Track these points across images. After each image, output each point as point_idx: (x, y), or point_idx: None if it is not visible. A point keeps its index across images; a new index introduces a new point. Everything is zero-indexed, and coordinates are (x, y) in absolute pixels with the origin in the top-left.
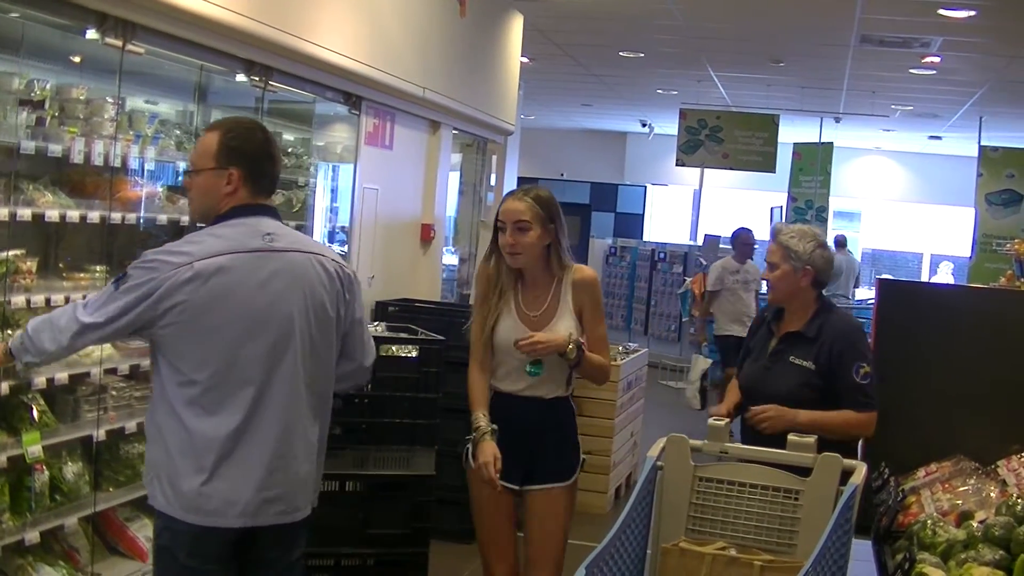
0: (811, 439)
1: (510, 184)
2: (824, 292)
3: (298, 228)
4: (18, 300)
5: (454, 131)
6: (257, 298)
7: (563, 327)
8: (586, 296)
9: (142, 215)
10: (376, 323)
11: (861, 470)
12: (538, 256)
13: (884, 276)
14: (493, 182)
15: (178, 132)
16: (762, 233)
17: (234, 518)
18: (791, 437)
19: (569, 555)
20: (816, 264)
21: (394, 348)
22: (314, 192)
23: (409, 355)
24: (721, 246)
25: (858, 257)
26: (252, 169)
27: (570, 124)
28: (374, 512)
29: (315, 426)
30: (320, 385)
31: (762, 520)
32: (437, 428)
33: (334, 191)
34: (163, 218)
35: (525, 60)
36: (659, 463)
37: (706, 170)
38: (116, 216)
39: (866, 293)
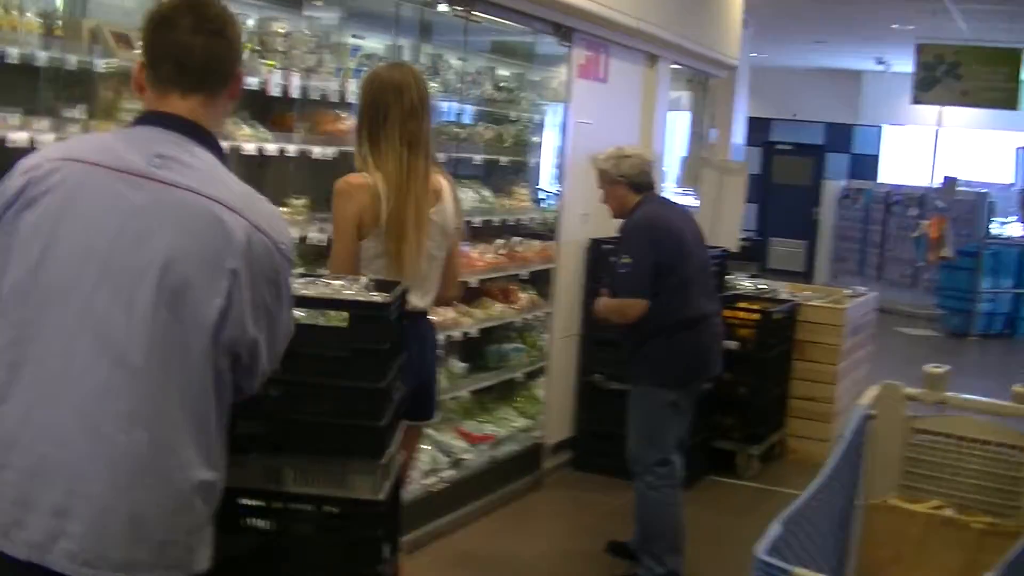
0: None
1: (739, 124)
2: None
3: (513, 164)
4: None
5: (674, 65)
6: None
7: None
8: None
9: (343, 149)
10: None
11: None
12: None
13: None
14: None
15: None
16: (1008, 176)
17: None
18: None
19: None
20: (625, 172)
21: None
22: (541, 131)
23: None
24: (959, 188)
25: None
26: (154, 54)
27: (803, 63)
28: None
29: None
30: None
31: (983, 479)
32: (386, 432)
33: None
34: None
35: None
36: (871, 412)
37: (945, 109)
38: (316, 150)
39: None
